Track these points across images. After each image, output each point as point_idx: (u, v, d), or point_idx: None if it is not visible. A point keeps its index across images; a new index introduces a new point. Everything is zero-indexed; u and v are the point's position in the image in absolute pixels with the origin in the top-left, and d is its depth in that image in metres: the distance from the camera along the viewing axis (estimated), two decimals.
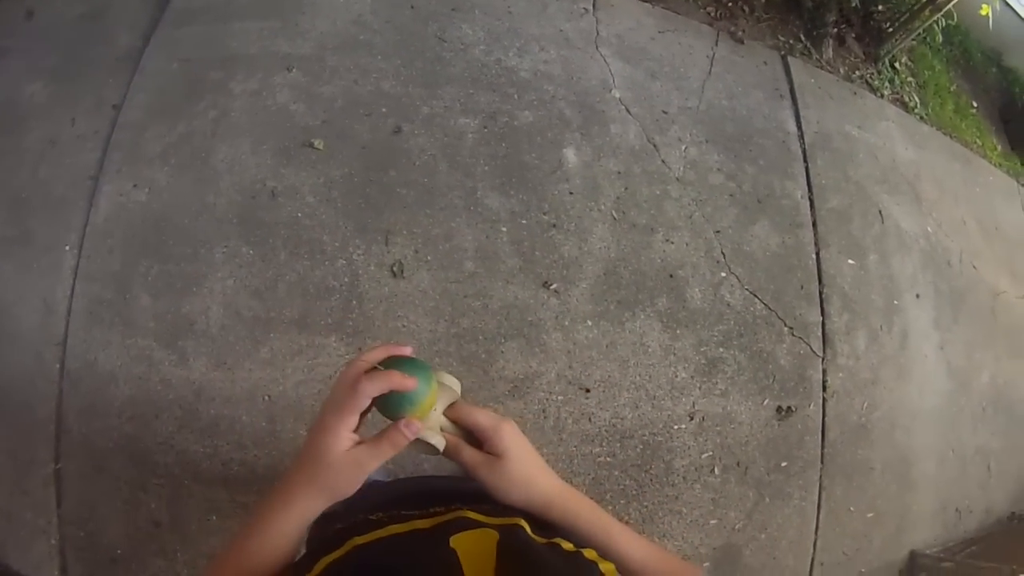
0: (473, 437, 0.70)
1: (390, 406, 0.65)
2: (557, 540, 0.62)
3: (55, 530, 1.99)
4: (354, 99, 2.46)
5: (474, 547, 0.59)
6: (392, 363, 0.66)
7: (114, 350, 2.10)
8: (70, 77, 2.53)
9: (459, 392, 0.71)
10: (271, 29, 2.60)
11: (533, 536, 0.62)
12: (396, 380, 0.64)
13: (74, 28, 2.65)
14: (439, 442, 0.67)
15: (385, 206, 2.29)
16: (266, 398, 2.07)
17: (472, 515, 0.65)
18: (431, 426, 0.67)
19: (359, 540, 0.63)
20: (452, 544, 0.59)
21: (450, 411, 0.70)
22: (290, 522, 0.66)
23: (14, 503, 2.00)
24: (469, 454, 0.68)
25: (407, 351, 0.69)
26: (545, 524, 0.68)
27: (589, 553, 0.63)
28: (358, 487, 0.66)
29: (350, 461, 0.64)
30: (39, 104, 2.49)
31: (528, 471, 0.69)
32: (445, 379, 0.70)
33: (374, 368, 0.66)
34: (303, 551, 0.68)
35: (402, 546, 0.63)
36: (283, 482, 0.67)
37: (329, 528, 0.68)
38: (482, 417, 0.69)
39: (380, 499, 0.76)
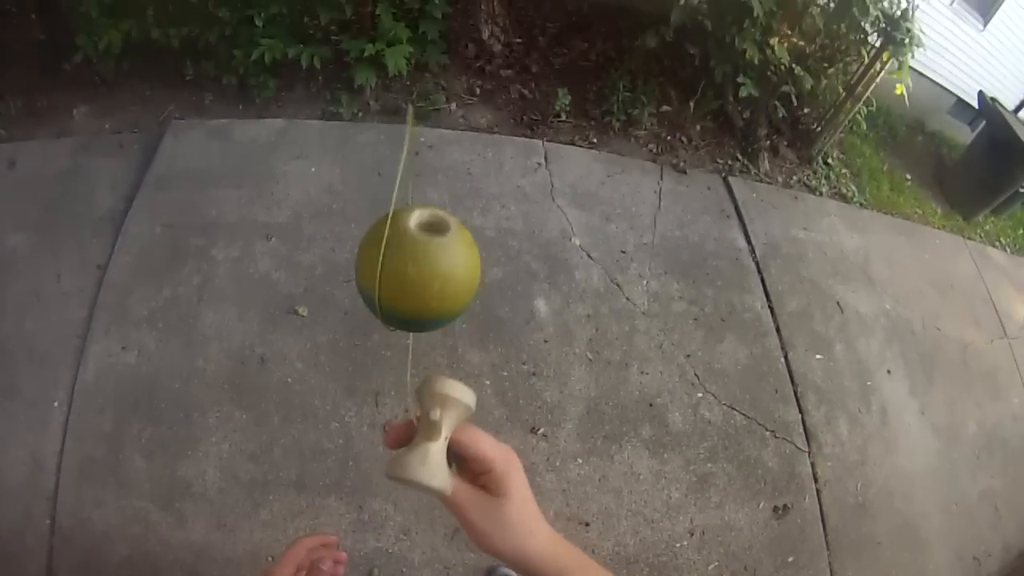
0: (463, 467, 0.55)
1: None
2: None
3: None
4: (333, 266, 2.64)
5: None
6: None
7: (108, 510, 2.10)
8: (53, 232, 2.63)
9: (473, 407, 0.53)
10: (248, 197, 2.78)
11: None
12: (325, 540, 0.79)
13: (56, 184, 2.77)
14: (444, 485, 0.51)
15: (372, 368, 2.43)
16: (269, 559, 2.09)
17: None
18: (435, 462, 0.50)
19: None
20: None
21: (456, 435, 0.53)
22: None
23: None
24: (467, 497, 0.54)
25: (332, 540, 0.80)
26: None
27: None
28: None
29: None
30: (23, 256, 2.56)
31: (527, 519, 0.56)
32: (456, 391, 0.51)
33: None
34: None
35: None
36: None
37: None
38: (489, 447, 0.54)
39: None
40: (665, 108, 3.37)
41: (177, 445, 2.23)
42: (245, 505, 2.16)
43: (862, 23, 3.25)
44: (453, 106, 3.26)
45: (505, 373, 2.50)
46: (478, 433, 0.53)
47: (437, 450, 0.50)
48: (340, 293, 2.60)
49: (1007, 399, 3.39)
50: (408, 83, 3.31)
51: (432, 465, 0.49)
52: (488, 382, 2.47)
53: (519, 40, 3.53)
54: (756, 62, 3.13)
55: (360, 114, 3.24)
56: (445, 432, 0.50)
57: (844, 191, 3.71)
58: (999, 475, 3.11)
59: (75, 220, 2.71)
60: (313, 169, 2.94)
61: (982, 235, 4.30)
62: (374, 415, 2.37)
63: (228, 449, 2.24)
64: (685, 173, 3.21)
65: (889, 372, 3.10)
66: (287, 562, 0.74)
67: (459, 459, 0.54)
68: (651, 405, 2.56)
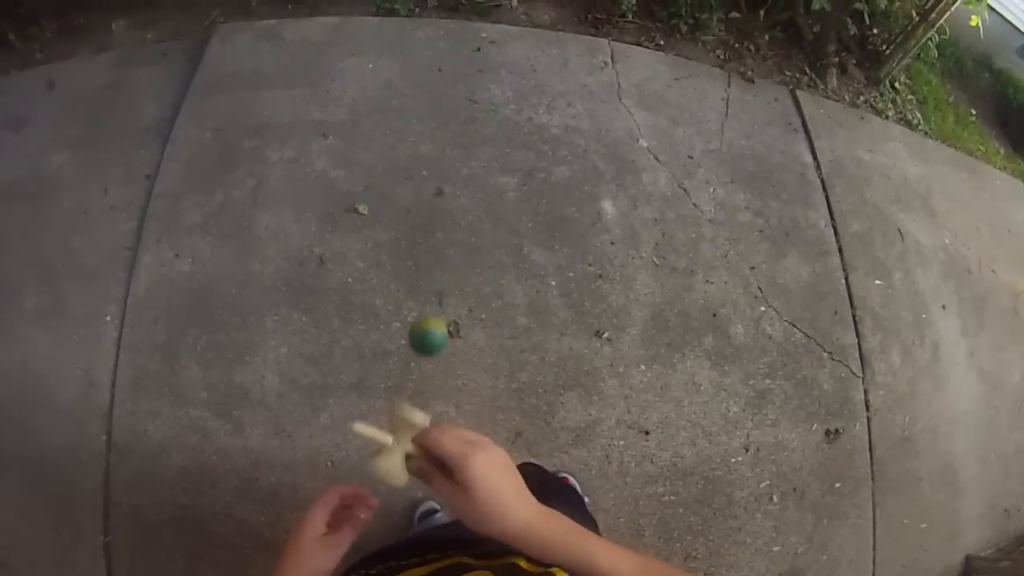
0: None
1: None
2: (553, 570, 0.65)
3: None
4: (393, 163, 2.51)
5: None
6: None
7: (164, 421, 2.08)
8: (97, 147, 2.52)
9: (426, 424, 0.67)
10: (302, 96, 2.64)
11: (528, 569, 0.66)
12: (359, 491, 0.78)
13: (97, 98, 2.66)
14: (398, 478, 0.66)
15: (435, 267, 2.34)
16: (329, 464, 2.07)
17: (467, 560, 0.70)
18: (392, 461, 0.66)
19: None
20: None
21: (420, 438, 0.66)
22: None
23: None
24: (438, 485, 0.65)
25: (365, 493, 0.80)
26: None
27: None
28: (335, 564, 0.74)
29: (325, 543, 0.73)
30: (67, 174, 2.47)
31: (497, 504, 0.62)
32: (407, 413, 0.66)
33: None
34: None
35: None
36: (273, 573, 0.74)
37: None
38: (449, 446, 0.63)
39: (379, 553, 0.83)
40: (734, 15, 3.16)
41: (234, 351, 2.17)
42: (304, 410, 2.11)
43: None
44: (515, 2, 3.04)
45: (571, 274, 2.40)
46: (440, 435, 0.64)
47: (393, 453, 0.66)
48: (401, 190, 2.47)
49: None
50: None
51: (391, 468, 0.66)
52: (553, 283, 2.37)
53: None
54: None
55: (417, 9, 3.01)
56: (399, 441, 0.67)
57: (910, 117, 3.53)
58: None
59: (120, 133, 2.58)
60: (370, 66, 2.77)
61: None
62: (437, 314, 2.26)
63: (286, 353, 2.17)
64: (753, 82, 3.03)
65: (944, 308, 3.00)
66: (322, 507, 0.76)
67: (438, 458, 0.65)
68: (715, 315, 2.47)
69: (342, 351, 2.20)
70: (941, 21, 3.32)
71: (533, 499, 0.65)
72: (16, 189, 2.48)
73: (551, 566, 0.64)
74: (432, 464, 0.65)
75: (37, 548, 1.99)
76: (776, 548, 2.31)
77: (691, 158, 2.71)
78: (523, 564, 0.67)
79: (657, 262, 2.47)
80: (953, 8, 3.24)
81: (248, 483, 2.04)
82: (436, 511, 2.01)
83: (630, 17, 3.02)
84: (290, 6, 2.99)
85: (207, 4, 2.97)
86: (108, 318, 2.21)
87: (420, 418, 0.66)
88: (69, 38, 2.90)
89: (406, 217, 2.42)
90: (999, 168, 3.91)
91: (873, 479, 2.53)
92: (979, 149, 3.89)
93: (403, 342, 2.22)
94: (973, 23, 3.41)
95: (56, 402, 2.11)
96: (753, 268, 2.58)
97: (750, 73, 3.05)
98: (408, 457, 0.67)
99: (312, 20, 2.91)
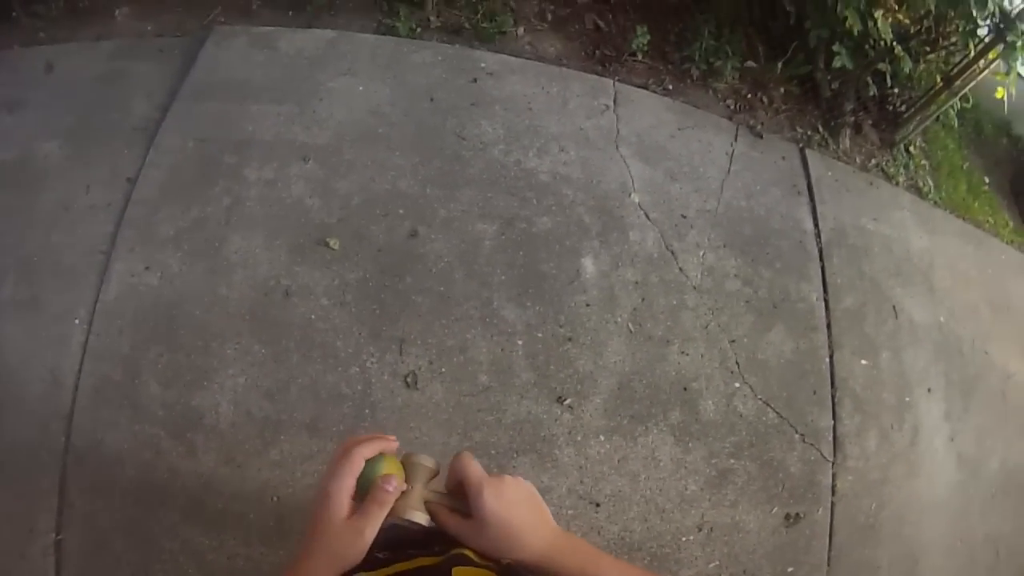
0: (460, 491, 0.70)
1: (361, 486, 0.68)
2: None
3: None
4: (371, 197, 2.37)
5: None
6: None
7: (121, 433, 2.04)
8: (86, 141, 2.46)
9: (438, 469, 0.73)
10: (287, 115, 2.51)
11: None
12: (383, 442, 0.71)
13: (92, 89, 2.58)
14: (422, 518, 0.68)
15: (400, 313, 2.20)
16: (275, 499, 2.00)
17: (471, 554, 0.67)
18: (412, 504, 0.68)
19: None
20: (455, 575, 0.62)
21: (456, 466, 0.70)
22: None
23: (12, 565, 1.96)
24: (451, 523, 0.68)
25: (393, 446, 0.73)
26: None
27: None
28: (363, 553, 0.66)
29: (350, 528, 0.65)
30: (54, 165, 2.42)
31: (510, 535, 0.66)
32: (420, 459, 0.72)
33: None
34: None
35: None
36: (295, 560, 0.67)
37: None
38: (471, 474, 0.68)
39: (386, 541, 0.74)
40: (750, 64, 2.92)
41: (193, 374, 2.10)
42: (256, 442, 2.04)
43: (975, 14, 2.79)
44: (521, 30, 2.83)
45: (540, 334, 2.23)
46: (466, 464, 0.68)
47: (413, 497, 0.69)
48: (375, 227, 2.32)
49: None
50: (475, 1, 2.88)
51: (414, 508, 0.68)
52: (520, 342, 2.20)
53: None
54: (855, 33, 2.70)
55: (418, 30, 2.81)
56: (415, 485, 0.70)
57: (920, 184, 3.31)
58: (1009, 519, 2.91)
59: (109, 129, 2.49)
60: (360, 88, 2.60)
61: None
62: (397, 364, 2.14)
63: (244, 383, 2.09)
64: (761, 137, 2.81)
65: (929, 391, 2.82)
66: (348, 478, 0.67)
67: (456, 485, 0.69)
68: (685, 389, 2.29)
69: (298, 388, 2.11)
70: (966, 89, 3.11)
71: (550, 528, 0.69)
72: (4, 173, 2.42)
73: None
74: (445, 504, 0.69)
75: None
76: None
77: (684, 217, 2.50)
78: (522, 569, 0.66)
79: (632, 329, 2.29)
80: (980, 77, 3.02)
81: (196, 505, 2.00)
82: None
83: (640, 56, 2.80)
84: (291, 12, 2.82)
85: (210, 1, 2.83)
86: (77, 321, 2.15)
87: (432, 463, 0.72)
88: (72, 20, 2.82)
89: (377, 256, 2.26)
90: (1007, 241, 3.69)
91: (829, 565, 2.39)
92: (988, 220, 3.66)
93: (359, 387, 2.12)
94: (999, 95, 3.18)
95: (22, 396, 2.09)
96: (733, 341, 2.40)
97: (760, 127, 2.83)
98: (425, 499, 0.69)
99: (309, 32, 2.74)
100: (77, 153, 2.43)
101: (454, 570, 0.63)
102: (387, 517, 0.66)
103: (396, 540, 0.74)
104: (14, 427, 2.06)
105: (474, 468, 0.68)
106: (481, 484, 0.66)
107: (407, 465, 0.71)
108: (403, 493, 0.68)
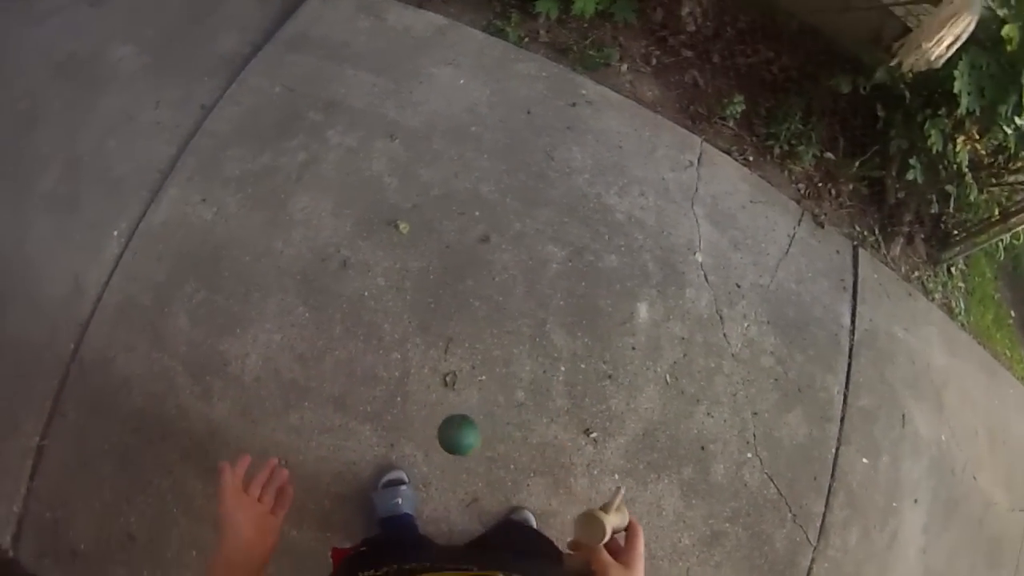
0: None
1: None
2: None
3: (20, 500, 1.89)
4: (450, 192, 2.37)
5: None
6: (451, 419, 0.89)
7: (136, 357, 1.99)
8: (166, 56, 2.36)
9: (626, 520, 0.82)
10: (383, 88, 2.48)
11: None
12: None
13: (184, 4, 2.49)
14: (599, 541, 0.75)
15: (454, 313, 2.23)
16: (283, 462, 1.96)
17: (477, 574, 0.73)
18: (600, 531, 0.75)
19: None
20: None
21: (630, 530, 0.80)
22: None
23: None
24: (604, 556, 0.74)
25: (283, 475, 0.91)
26: None
27: None
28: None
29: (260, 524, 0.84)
30: (126, 71, 2.33)
31: None
32: (624, 509, 0.82)
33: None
34: None
35: None
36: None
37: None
38: (633, 520, 0.80)
39: (384, 548, 0.87)
40: (828, 155, 3.01)
41: (227, 319, 2.05)
42: (277, 402, 2.01)
43: None
44: (624, 67, 2.88)
45: (583, 365, 2.29)
46: (638, 535, 0.78)
47: (602, 529, 0.73)
48: (449, 223, 2.32)
49: (999, 572, 3.20)
50: (586, 26, 2.92)
51: (598, 534, 0.74)
52: (563, 368, 2.27)
53: (709, 24, 3.12)
54: (934, 151, 2.79)
55: (526, 40, 2.85)
56: (608, 521, 0.75)
57: (953, 305, 3.40)
58: None
59: (192, 50, 2.41)
60: (462, 81, 2.60)
61: None
62: (440, 361, 2.16)
63: (279, 341, 2.06)
64: (822, 227, 2.89)
65: (916, 501, 2.91)
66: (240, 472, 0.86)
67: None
68: (703, 448, 2.37)
69: (334, 360, 2.09)
70: (1021, 227, 3.20)
71: None
72: (72, 64, 2.33)
73: None
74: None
75: None
76: None
77: (739, 287, 2.58)
78: None
79: (669, 381, 2.36)
80: None
81: (198, 449, 1.96)
82: (403, 481, 1.98)
83: (730, 123, 2.87)
84: None
85: None
86: (116, 233, 2.10)
87: (627, 516, 0.83)
88: None
89: (444, 252, 2.29)
90: (1018, 378, 3.79)
91: None
92: (1005, 353, 3.76)
93: (396, 374, 2.12)
94: None
95: (38, 294, 2.02)
96: (756, 414, 2.48)
97: (823, 217, 2.91)
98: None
99: (420, 12, 2.73)
100: (154, 65, 2.33)
101: None
102: (590, 514, 0.76)
103: (395, 548, 0.81)
104: (23, 321, 1.99)
105: (639, 540, 0.78)
106: (640, 530, 0.78)
107: (616, 506, 0.80)
108: (597, 523, 0.75)
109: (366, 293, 2.19)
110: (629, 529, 0.80)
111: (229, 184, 2.21)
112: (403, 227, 2.29)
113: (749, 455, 2.45)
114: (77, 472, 1.93)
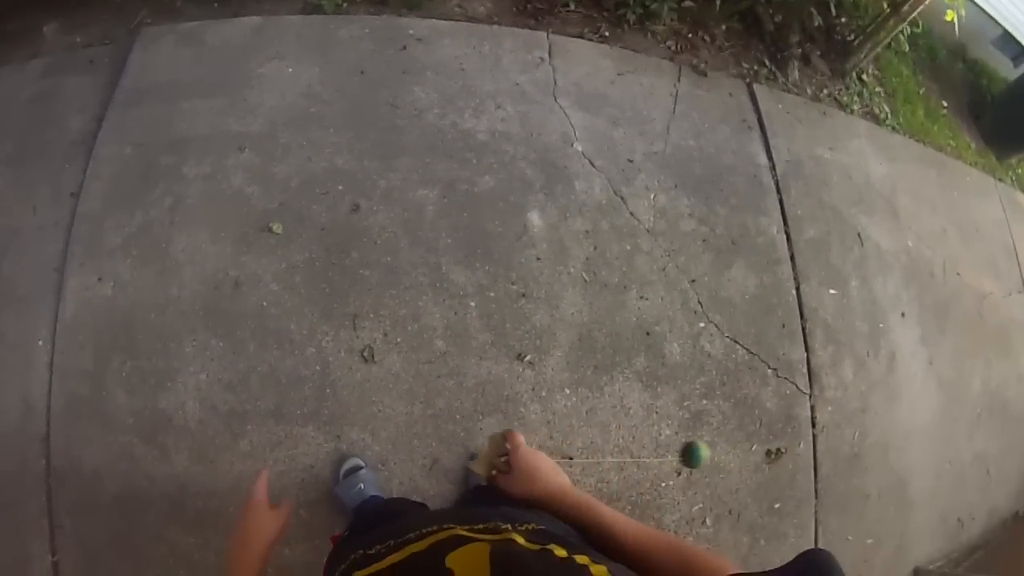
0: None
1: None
2: (551, 547, 0.64)
3: None
4: (309, 178, 2.28)
5: (469, 561, 0.62)
6: None
7: (96, 447, 2.00)
8: (27, 163, 2.38)
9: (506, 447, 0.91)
10: (219, 107, 2.42)
11: (525, 545, 0.64)
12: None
13: (26, 111, 2.49)
14: (484, 475, 0.91)
15: (349, 289, 2.12)
16: (250, 490, 1.95)
17: (464, 532, 0.68)
18: (481, 466, 0.91)
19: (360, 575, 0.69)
20: (448, 563, 0.62)
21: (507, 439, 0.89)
22: None
23: None
24: (500, 477, 0.88)
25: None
26: (545, 532, 0.72)
27: (580, 558, 0.63)
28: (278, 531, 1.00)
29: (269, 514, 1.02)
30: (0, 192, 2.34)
31: (533, 476, 0.84)
32: (500, 439, 0.92)
33: None
34: None
35: (402, 574, 0.67)
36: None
37: (335, 568, 0.76)
38: (515, 441, 0.88)
39: (374, 527, 0.83)
40: (688, 3, 2.82)
41: (156, 377, 2.05)
42: (224, 436, 2.01)
43: None
44: None
45: (492, 294, 2.15)
46: (516, 438, 0.88)
47: (483, 466, 0.92)
48: (317, 207, 2.24)
49: (1016, 358, 3.08)
50: None
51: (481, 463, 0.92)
52: (473, 304, 2.13)
53: None
54: None
55: (344, 5, 2.70)
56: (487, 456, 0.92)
57: (876, 111, 3.23)
58: (996, 438, 2.87)
59: (48, 147, 2.40)
60: (290, 70, 2.50)
61: (1014, 178, 3.84)
62: (352, 340, 2.07)
63: (205, 379, 2.05)
64: (705, 76, 2.71)
65: (903, 315, 2.76)
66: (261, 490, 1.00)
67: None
68: (648, 334, 2.22)
69: (259, 377, 2.05)
70: (914, 14, 3.01)
71: (564, 478, 0.86)
72: None
73: (548, 543, 0.64)
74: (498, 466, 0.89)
75: None
76: None
77: (631, 162, 2.41)
78: (520, 540, 0.65)
79: (587, 278, 2.20)
80: (928, 2, 2.93)
81: (176, 508, 1.97)
82: (360, 467, 1.99)
83: (573, 7, 2.70)
84: (216, 4, 2.69)
85: (135, 5, 2.70)
86: (40, 342, 2.10)
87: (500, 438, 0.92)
88: (4, 44, 2.69)
89: (321, 236, 2.18)
90: (969, 164, 3.62)
91: (817, 497, 2.35)
92: (949, 144, 3.59)
93: (317, 368, 2.07)
94: (948, 19, 3.09)
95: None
96: (694, 281, 2.32)
97: (703, 65, 2.74)
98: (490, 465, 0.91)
99: (234, 21, 2.62)
100: (21, 176, 2.36)
101: (447, 557, 0.64)
102: (472, 470, 0.97)
103: (388, 530, 0.78)
104: None
105: (519, 439, 0.88)
106: (518, 444, 0.87)
107: (491, 439, 0.92)
108: (476, 461, 0.92)
109: (264, 303, 2.13)
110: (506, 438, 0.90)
111: (115, 254, 2.19)
112: (276, 228, 2.22)
113: (702, 324, 2.30)
114: (92, 572, 1.96)
